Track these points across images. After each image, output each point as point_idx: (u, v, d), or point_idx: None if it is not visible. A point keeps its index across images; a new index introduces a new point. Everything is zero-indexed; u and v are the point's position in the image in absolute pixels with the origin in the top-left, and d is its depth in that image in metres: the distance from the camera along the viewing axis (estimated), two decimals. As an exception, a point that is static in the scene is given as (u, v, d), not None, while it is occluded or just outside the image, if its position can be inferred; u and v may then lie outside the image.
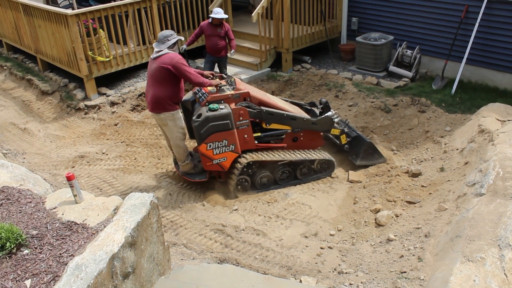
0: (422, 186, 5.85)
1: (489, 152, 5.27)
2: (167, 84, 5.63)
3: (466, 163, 5.71)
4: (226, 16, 8.18)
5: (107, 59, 8.47)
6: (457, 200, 4.94)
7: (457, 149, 6.21)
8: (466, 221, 4.23)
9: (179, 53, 8.82)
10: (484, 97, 7.60)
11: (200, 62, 9.67)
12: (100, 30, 8.31)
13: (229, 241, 5.20)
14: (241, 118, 5.81)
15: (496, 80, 8.03)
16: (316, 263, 4.81)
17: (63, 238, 3.35)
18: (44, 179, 5.09)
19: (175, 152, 6.08)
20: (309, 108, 6.79)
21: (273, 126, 6.14)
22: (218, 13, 7.88)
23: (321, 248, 5.04)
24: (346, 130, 6.66)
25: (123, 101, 8.58)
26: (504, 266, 3.61)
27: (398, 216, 5.32)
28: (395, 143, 7.07)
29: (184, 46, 8.48)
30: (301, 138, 6.37)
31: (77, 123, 8.24)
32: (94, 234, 3.40)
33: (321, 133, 6.52)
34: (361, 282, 4.27)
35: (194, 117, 5.70)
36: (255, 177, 6.08)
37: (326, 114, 6.43)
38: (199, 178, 6.12)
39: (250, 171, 6.00)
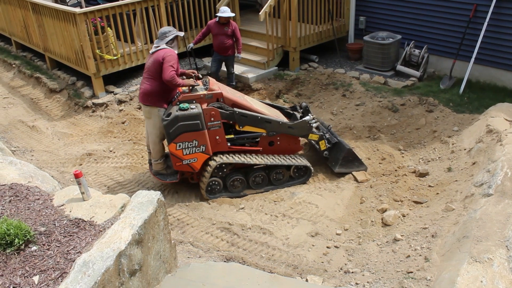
0: (429, 186, 5.82)
1: (497, 153, 5.24)
2: (159, 79, 5.64)
3: (474, 163, 5.68)
4: (233, 14, 8.18)
5: (115, 58, 8.50)
6: (464, 200, 4.92)
7: (465, 149, 6.18)
8: (474, 221, 4.21)
9: (187, 51, 8.88)
10: (492, 97, 7.55)
11: (207, 60, 9.68)
12: (108, 28, 8.34)
13: (235, 239, 5.21)
14: (212, 119, 5.70)
15: (505, 80, 7.97)
16: (322, 262, 4.81)
17: (70, 235, 3.38)
18: (52, 177, 5.14)
19: (151, 148, 6.05)
20: (291, 112, 6.68)
21: (247, 128, 6.01)
22: (225, 11, 7.89)
23: (328, 247, 5.04)
24: (327, 135, 6.49)
25: (131, 99, 8.61)
26: None
27: (405, 216, 5.31)
28: (402, 143, 7.04)
29: (191, 45, 8.50)
30: (278, 142, 6.23)
31: (85, 121, 8.28)
32: (101, 231, 3.42)
33: (299, 138, 6.40)
34: (367, 282, 4.27)
35: (164, 116, 5.65)
36: (228, 180, 6.01)
37: (303, 119, 6.29)
38: (170, 179, 6.05)
39: (221, 173, 5.93)
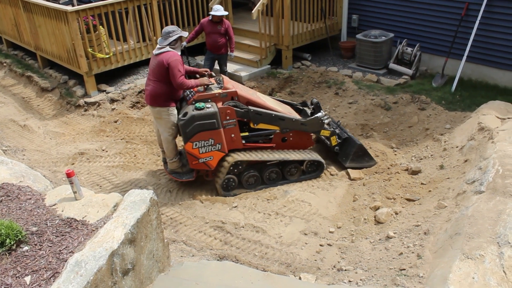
0: (422, 183, 5.85)
1: (489, 150, 5.27)
2: (166, 81, 5.66)
3: (466, 161, 5.71)
4: (226, 13, 8.16)
5: (107, 56, 8.46)
6: (456, 197, 4.94)
7: (457, 147, 6.21)
8: (466, 218, 4.24)
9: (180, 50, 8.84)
10: (484, 95, 7.59)
11: (200, 59, 9.66)
12: (100, 26, 8.30)
13: (228, 238, 5.21)
14: (228, 118, 5.77)
15: (497, 78, 8.02)
16: (315, 260, 4.82)
17: (62, 235, 3.36)
18: (44, 176, 5.10)
19: (164, 148, 6.07)
20: (301, 108, 6.75)
21: (261, 126, 6.09)
22: (218, 10, 7.87)
23: (321, 245, 5.05)
24: (337, 131, 6.60)
25: (123, 98, 8.58)
26: (503, 263, 3.61)
27: (397, 214, 5.33)
28: (395, 141, 7.07)
29: (184, 43, 8.47)
30: (291, 139, 6.32)
31: (77, 120, 8.23)
32: (94, 230, 3.41)
33: (311, 134, 6.48)
34: (360, 279, 4.28)
35: (180, 116, 5.70)
36: (242, 176, 6.05)
37: (316, 115, 6.36)
38: (186, 178, 6.09)
39: (237, 170, 5.98)
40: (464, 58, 7.88)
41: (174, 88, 5.72)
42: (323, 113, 6.47)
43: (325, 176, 6.42)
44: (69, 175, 3.69)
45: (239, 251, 4.99)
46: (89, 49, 8.19)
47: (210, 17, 8.03)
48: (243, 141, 6.01)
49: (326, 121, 6.42)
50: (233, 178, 6.01)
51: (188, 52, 9.21)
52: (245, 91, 6.16)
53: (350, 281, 4.30)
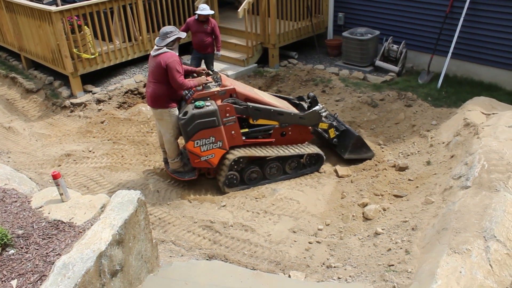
0: (409, 179, 5.89)
1: (475, 145, 5.32)
2: (166, 82, 5.67)
3: (452, 157, 5.77)
4: (212, 12, 8.13)
5: (93, 56, 8.39)
6: (443, 193, 4.99)
7: (443, 143, 6.27)
8: (452, 213, 4.28)
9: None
10: (469, 91, 7.67)
11: (187, 58, 9.62)
12: (85, 27, 8.23)
13: (217, 237, 5.20)
14: (227, 115, 5.81)
15: (481, 74, 8.11)
16: (304, 257, 4.83)
17: (49, 237, 3.33)
18: (29, 178, 5.05)
19: (166, 148, 6.08)
20: (297, 102, 6.80)
21: (260, 121, 6.14)
22: (204, 9, 7.84)
23: (310, 242, 5.06)
24: (334, 124, 6.69)
25: (109, 99, 8.52)
26: (489, 257, 3.66)
27: (385, 210, 5.36)
28: (382, 138, 7.11)
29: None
30: (289, 133, 6.38)
31: (63, 121, 8.16)
32: (81, 232, 3.38)
33: (309, 127, 6.54)
34: (350, 276, 4.30)
35: (180, 115, 5.72)
36: (244, 172, 6.09)
37: (313, 109, 6.44)
38: (188, 177, 6.10)
39: (238, 167, 6.01)
40: (449, 55, 7.96)
41: (174, 88, 5.73)
42: (321, 106, 6.55)
43: (313, 174, 6.44)
44: (55, 177, 3.66)
45: (228, 250, 4.99)
46: (74, 50, 8.12)
47: (196, 16, 7.99)
48: (243, 138, 6.06)
49: (323, 114, 6.50)
50: (235, 174, 6.04)
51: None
52: (243, 87, 6.21)
53: (339, 278, 4.32)
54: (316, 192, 6.02)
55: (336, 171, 6.46)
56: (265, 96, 6.41)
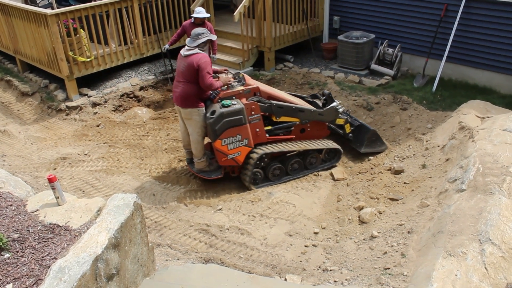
0: (405, 183, 5.91)
1: (470, 149, 5.34)
2: (196, 82, 5.77)
3: (447, 160, 5.79)
4: (208, 15, 8.14)
5: (88, 60, 8.38)
6: (439, 196, 5.00)
7: (439, 146, 6.29)
8: (448, 217, 4.29)
9: (162, 52, 8.82)
10: (464, 94, 7.71)
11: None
12: (81, 30, 8.22)
13: (213, 240, 5.20)
14: (253, 113, 5.97)
15: (476, 77, 8.15)
16: (300, 261, 4.83)
17: (45, 241, 3.32)
18: (25, 182, 5.04)
19: (193, 148, 6.14)
20: (311, 100, 6.92)
21: (283, 119, 6.30)
22: (200, 12, 7.85)
23: (306, 246, 5.07)
24: (349, 119, 6.89)
25: (105, 102, 8.50)
26: (484, 260, 3.67)
27: (381, 213, 5.37)
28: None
29: (166, 46, 8.44)
30: (308, 129, 6.56)
31: (59, 125, 8.13)
32: (77, 236, 3.37)
33: (326, 123, 6.70)
34: (346, 279, 4.30)
35: (208, 114, 5.82)
36: (268, 169, 6.22)
37: (331, 105, 6.61)
38: (215, 175, 6.20)
39: (262, 163, 6.14)
40: (444, 58, 8.00)
41: (203, 88, 5.82)
42: (337, 102, 6.71)
43: (309, 177, 6.45)
44: (51, 180, 3.65)
45: (224, 254, 4.98)
46: (70, 53, 8.10)
47: (192, 20, 8.00)
48: (267, 135, 6.18)
49: (340, 110, 6.67)
50: (259, 171, 6.19)
51: (171, 55, 9.18)
52: (264, 86, 6.37)
53: (335, 281, 4.32)
54: (312, 195, 6.03)
55: (332, 174, 6.47)
56: (285, 95, 6.57)
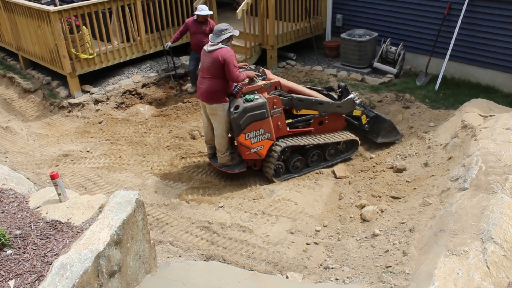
0: (407, 181, 5.90)
1: (472, 147, 5.33)
2: (222, 78, 5.81)
3: (450, 158, 5.78)
4: (211, 12, 8.15)
5: (91, 57, 8.39)
6: (441, 194, 5.00)
7: (441, 145, 6.28)
8: (450, 215, 4.29)
9: (165, 49, 8.82)
10: (467, 93, 7.68)
11: (185, 59, 9.63)
12: (83, 27, 8.22)
13: (215, 238, 5.20)
14: (275, 107, 6.05)
15: (479, 76, 8.13)
16: (302, 259, 4.83)
17: (47, 238, 3.33)
18: (27, 178, 5.04)
19: (217, 143, 6.17)
20: (326, 93, 6.96)
21: (303, 111, 6.39)
22: (202, 10, 7.85)
23: (307, 244, 5.07)
24: (365, 111, 7.01)
25: (107, 99, 8.51)
26: (486, 259, 3.66)
27: (383, 211, 5.37)
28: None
29: (169, 43, 8.45)
30: (326, 121, 6.66)
31: (61, 121, 8.15)
32: (79, 233, 3.38)
33: (343, 115, 6.79)
34: (347, 277, 4.30)
35: (231, 109, 5.88)
36: (289, 162, 6.31)
37: (349, 97, 6.68)
38: (238, 169, 6.26)
39: (284, 156, 6.24)
40: (447, 57, 7.97)
41: (228, 83, 5.88)
42: (354, 94, 6.80)
43: (311, 175, 6.45)
44: (53, 177, 3.65)
45: (226, 251, 4.99)
46: (73, 50, 8.11)
47: (195, 17, 8.01)
48: (288, 128, 6.27)
49: (357, 102, 6.75)
50: (281, 164, 6.28)
51: (173, 53, 9.18)
52: (284, 80, 6.44)
53: (337, 279, 4.33)
54: (314, 193, 6.03)
55: (334, 172, 6.47)
56: (304, 88, 6.64)
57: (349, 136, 6.69)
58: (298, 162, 6.39)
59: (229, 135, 6.29)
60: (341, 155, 6.73)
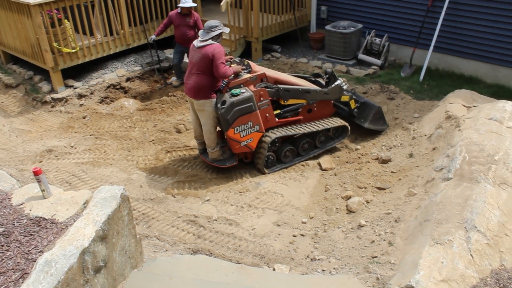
0: (392, 172, 5.95)
1: (456, 138, 5.39)
2: (210, 73, 5.78)
3: (434, 149, 5.83)
4: (195, 5, 8.09)
5: (74, 51, 8.27)
6: (425, 185, 5.05)
7: (425, 135, 6.33)
8: (434, 205, 4.33)
9: (149, 43, 8.74)
10: (451, 84, 7.76)
11: (169, 52, 9.56)
12: (65, 20, 8.10)
13: (201, 231, 5.20)
14: (261, 99, 6.07)
15: (462, 67, 8.20)
16: (289, 251, 4.85)
17: (31, 235, 3.29)
18: (10, 175, 4.99)
19: (206, 139, 6.15)
20: (314, 79, 6.97)
21: (290, 101, 6.41)
22: (186, 2, 7.79)
23: (294, 236, 5.08)
24: (354, 96, 7.02)
25: (91, 93, 8.41)
26: (470, 247, 3.72)
27: (368, 202, 5.41)
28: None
29: (153, 37, 8.38)
30: (315, 109, 6.67)
31: (44, 117, 8.04)
32: (63, 229, 3.35)
33: (332, 102, 6.79)
34: (334, 268, 4.33)
35: (218, 105, 5.86)
36: (280, 152, 6.36)
37: (335, 83, 6.69)
38: (229, 163, 6.26)
39: (274, 147, 6.28)
40: (431, 48, 8.03)
41: (216, 79, 5.85)
42: (341, 80, 6.82)
43: (296, 167, 6.46)
44: (36, 173, 3.61)
45: (212, 245, 4.98)
46: (55, 44, 7.99)
47: (178, 10, 7.94)
48: (276, 119, 6.30)
49: (344, 87, 6.77)
50: (272, 155, 6.32)
51: (157, 46, 9.10)
52: (270, 71, 6.44)
53: (323, 270, 4.35)
54: (300, 185, 6.05)
55: (319, 164, 6.49)
56: (291, 77, 6.65)
57: (338, 122, 6.72)
58: (289, 151, 6.42)
59: (219, 128, 6.28)
60: (332, 142, 6.78)
